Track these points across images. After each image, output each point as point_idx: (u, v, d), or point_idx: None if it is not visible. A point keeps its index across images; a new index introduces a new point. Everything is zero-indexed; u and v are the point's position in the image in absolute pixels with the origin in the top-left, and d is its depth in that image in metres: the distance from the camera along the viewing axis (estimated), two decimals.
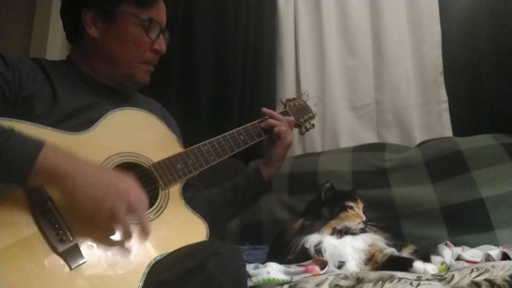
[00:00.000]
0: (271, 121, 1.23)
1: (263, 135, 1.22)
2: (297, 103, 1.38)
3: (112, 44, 1.06)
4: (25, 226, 0.77)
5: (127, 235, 0.81)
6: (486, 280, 0.83)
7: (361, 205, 1.24)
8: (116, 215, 0.78)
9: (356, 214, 1.20)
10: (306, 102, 1.41)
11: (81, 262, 0.77)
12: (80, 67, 1.08)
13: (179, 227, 0.96)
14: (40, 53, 2.04)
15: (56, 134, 0.90)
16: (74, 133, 0.93)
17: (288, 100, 1.38)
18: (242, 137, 1.17)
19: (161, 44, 1.11)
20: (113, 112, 1.01)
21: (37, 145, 0.78)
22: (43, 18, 2.16)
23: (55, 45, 2.11)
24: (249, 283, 0.93)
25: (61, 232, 0.78)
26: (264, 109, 1.27)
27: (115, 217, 0.78)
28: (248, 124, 1.21)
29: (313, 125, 1.40)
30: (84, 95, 1.04)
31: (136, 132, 1.03)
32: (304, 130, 1.37)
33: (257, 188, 1.25)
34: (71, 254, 0.77)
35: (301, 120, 1.36)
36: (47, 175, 0.77)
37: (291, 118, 1.29)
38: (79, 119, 0.97)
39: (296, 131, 1.40)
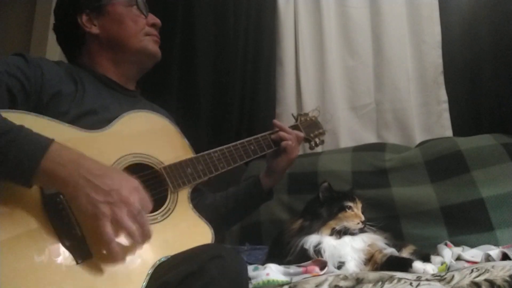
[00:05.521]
0: (282, 134, 1.24)
1: (272, 147, 1.24)
2: (308, 118, 1.40)
3: (113, 30, 1.12)
4: (35, 217, 0.78)
5: (133, 237, 0.78)
6: (486, 280, 0.83)
7: (360, 205, 1.24)
8: (119, 220, 0.75)
9: (355, 214, 1.20)
10: (317, 117, 1.43)
11: (87, 257, 0.78)
12: (94, 69, 1.13)
13: (185, 231, 0.97)
14: (40, 53, 2.03)
15: (73, 131, 0.92)
16: (90, 131, 0.95)
17: (300, 115, 1.40)
18: (252, 147, 1.20)
19: (154, 18, 1.19)
20: (129, 113, 1.04)
21: (44, 145, 0.76)
22: (43, 18, 2.16)
23: (55, 45, 2.09)
24: (249, 286, 0.93)
25: (70, 225, 0.79)
26: (275, 122, 1.29)
27: (118, 223, 0.75)
28: (259, 135, 1.23)
29: (323, 141, 1.42)
30: (101, 95, 1.08)
31: (150, 135, 1.06)
32: (313, 145, 1.39)
33: (258, 198, 1.28)
34: (78, 248, 0.78)
35: (311, 135, 1.37)
36: (50, 176, 0.75)
37: (301, 134, 1.30)
38: (95, 118, 1.00)
39: (304, 145, 1.40)
